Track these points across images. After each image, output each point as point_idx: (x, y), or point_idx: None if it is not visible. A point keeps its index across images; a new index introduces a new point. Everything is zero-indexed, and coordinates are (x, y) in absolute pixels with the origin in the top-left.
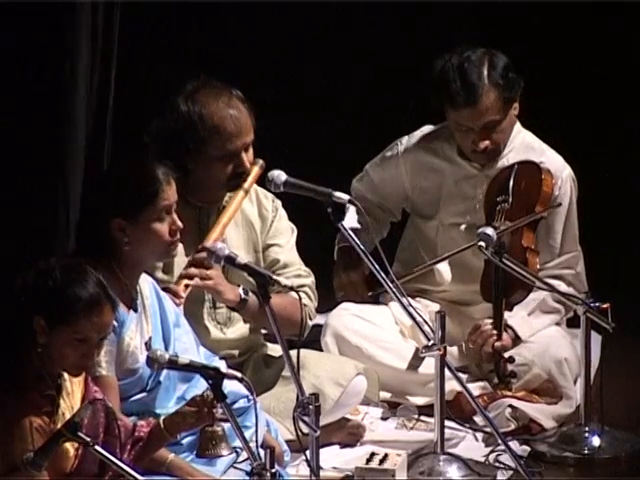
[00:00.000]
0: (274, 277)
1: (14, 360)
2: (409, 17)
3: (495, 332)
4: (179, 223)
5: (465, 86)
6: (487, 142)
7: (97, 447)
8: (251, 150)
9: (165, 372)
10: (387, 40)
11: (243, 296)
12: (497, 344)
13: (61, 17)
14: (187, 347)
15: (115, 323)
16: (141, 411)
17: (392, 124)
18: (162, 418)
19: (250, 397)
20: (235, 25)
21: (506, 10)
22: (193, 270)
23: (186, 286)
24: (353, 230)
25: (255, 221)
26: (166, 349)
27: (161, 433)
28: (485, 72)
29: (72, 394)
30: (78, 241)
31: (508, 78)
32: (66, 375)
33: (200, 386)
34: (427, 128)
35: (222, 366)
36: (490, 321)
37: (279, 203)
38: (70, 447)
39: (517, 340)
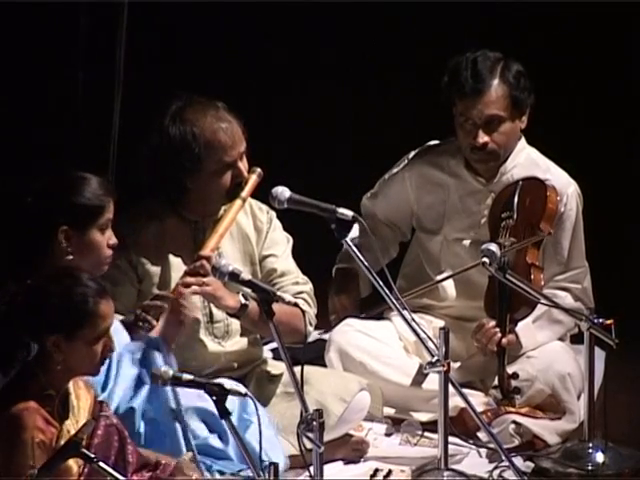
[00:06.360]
0: (278, 293)
1: (18, 379)
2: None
3: (499, 330)
4: (114, 239)
5: (475, 74)
6: (487, 138)
7: (101, 463)
8: (245, 159)
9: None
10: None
11: (243, 302)
12: (503, 340)
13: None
14: None
15: None
16: None
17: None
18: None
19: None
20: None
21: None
22: (190, 279)
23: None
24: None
25: (251, 234)
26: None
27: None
28: (498, 68)
29: (78, 412)
30: (16, 252)
31: (520, 81)
32: (73, 393)
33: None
34: (433, 143)
35: None
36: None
37: (273, 214)
38: (74, 464)
39: (518, 345)
